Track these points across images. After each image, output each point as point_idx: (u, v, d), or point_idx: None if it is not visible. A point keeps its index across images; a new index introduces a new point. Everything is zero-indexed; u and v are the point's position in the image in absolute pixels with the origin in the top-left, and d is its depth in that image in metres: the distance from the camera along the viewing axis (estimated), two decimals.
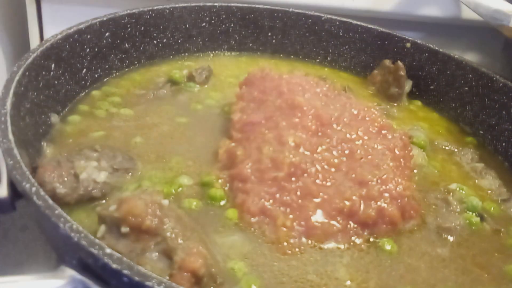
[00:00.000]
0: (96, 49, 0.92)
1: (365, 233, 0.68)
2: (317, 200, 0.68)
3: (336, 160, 0.73)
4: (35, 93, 0.74)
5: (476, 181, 0.85)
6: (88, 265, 0.46)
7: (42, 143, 0.73)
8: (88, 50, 0.90)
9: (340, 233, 0.67)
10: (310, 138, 0.75)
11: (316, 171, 0.71)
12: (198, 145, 0.81)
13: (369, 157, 0.74)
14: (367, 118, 0.81)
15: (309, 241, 0.66)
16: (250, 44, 1.18)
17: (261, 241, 0.65)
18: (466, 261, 0.69)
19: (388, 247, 0.67)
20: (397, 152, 0.77)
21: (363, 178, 0.71)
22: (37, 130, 0.73)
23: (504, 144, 0.95)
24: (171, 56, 1.09)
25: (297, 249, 0.64)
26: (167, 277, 0.54)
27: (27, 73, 0.71)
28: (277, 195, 0.68)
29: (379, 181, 0.71)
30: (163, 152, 0.78)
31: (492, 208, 0.79)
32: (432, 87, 1.10)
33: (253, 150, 0.73)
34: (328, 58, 1.21)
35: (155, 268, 0.55)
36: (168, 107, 0.90)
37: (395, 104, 1.06)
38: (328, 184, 0.70)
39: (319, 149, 0.74)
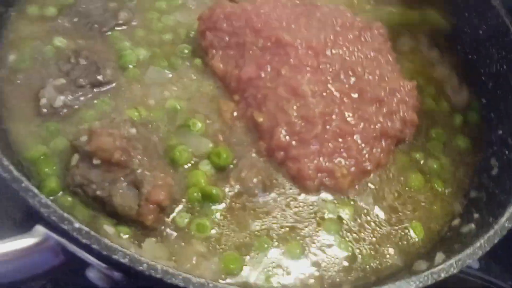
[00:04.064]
0: None
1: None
2: (353, 137, 0.73)
3: (347, 86, 0.75)
4: None
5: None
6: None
7: None
8: None
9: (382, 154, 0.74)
10: (317, 76, 0.74)
11: (339, 108, 0.73)
12: None
13: (370, 69, 0.77)
14: (347, 25, 0.80)
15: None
16: None
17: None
18: None
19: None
20: (383, 52, 0.81)
21: (377, 95, 0.75)
22: None
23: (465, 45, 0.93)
24: None
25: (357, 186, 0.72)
26: (137, 207, 0.60)
27: None
28: (323, 150, 0.71)
29: (391, 93, 0.76)
30: None
31: None
32: None
33: (277, 113, 0.72)
34: None
35: (125, 197, 0.61)
36: None
37: None
38: (353, 117, 0.73)
39: (329, 84, 0.74)
